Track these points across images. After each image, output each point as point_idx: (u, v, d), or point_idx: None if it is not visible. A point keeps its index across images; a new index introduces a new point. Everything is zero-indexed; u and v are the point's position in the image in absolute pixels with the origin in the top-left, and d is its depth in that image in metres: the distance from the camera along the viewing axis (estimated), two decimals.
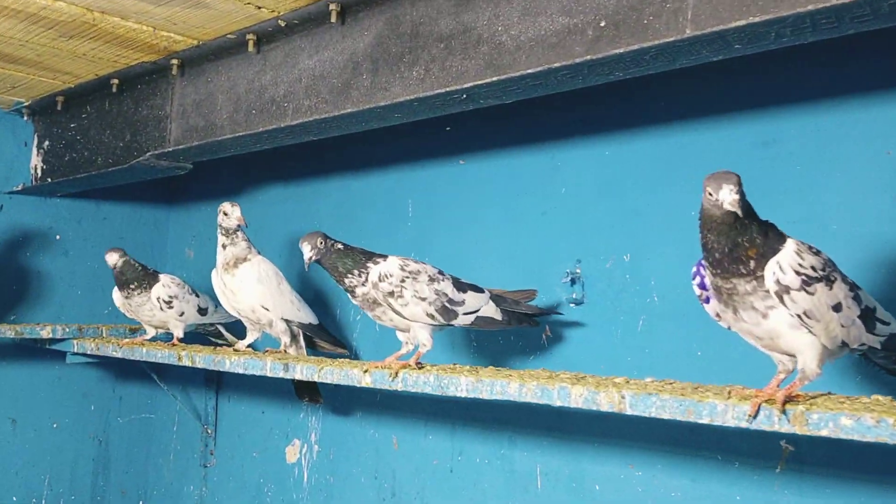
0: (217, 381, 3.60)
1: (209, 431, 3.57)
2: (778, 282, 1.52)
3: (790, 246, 1.55)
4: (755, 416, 1.50)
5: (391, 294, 2.16)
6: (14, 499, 3.41)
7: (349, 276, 2.20)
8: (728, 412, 1.53)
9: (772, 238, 1.56)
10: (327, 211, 3.23)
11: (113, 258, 2.89)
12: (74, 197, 3.60)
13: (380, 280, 2.17)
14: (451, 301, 2.18)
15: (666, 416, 1.60)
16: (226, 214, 2.63)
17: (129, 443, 3.76)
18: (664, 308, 2.28)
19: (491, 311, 2.24)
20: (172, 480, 3.74)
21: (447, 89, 1.91)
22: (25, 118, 3.43)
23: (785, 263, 1.52)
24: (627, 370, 2.16)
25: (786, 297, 1.52)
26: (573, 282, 2.47)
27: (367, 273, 2.19)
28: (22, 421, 3.44)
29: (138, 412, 3.79)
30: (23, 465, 3.44)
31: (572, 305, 2.46)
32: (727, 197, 1.52)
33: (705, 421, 1.55)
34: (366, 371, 2.14)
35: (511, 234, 2.65)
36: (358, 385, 2.17)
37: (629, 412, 1.65)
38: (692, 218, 2.28)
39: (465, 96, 1.93)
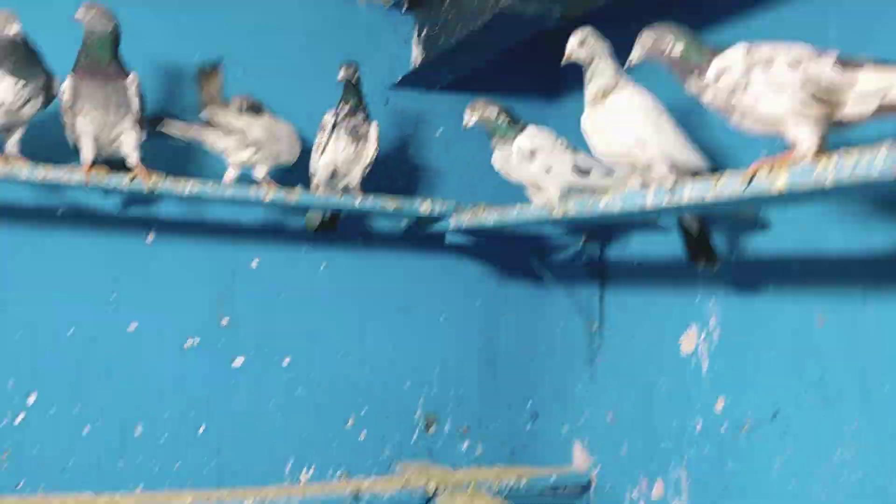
0: (602, 274, 3.29)
1: (595, 327, 3.28)
2: None
3: None
4: None
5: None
6: (408, 383, 3.46)
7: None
8: None
9: None
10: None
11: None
12: (453, 90, 3.53)
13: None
14: None
15: None
16: None
17: (515, 339, 3.63)
18: None
19: None
20: (558, 378, 3.52)
21: None
22: (404, 11, 3.44)
23: None
24: None
25: None
26: None
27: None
28: (413, 310, 3.47)
29: (524, 308, 3.64)
30: (415, 353, 3.47)
31: None
32: None
33: None
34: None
35: None
36: (767, 194, 1.67)
37: None
38: None
39: None
